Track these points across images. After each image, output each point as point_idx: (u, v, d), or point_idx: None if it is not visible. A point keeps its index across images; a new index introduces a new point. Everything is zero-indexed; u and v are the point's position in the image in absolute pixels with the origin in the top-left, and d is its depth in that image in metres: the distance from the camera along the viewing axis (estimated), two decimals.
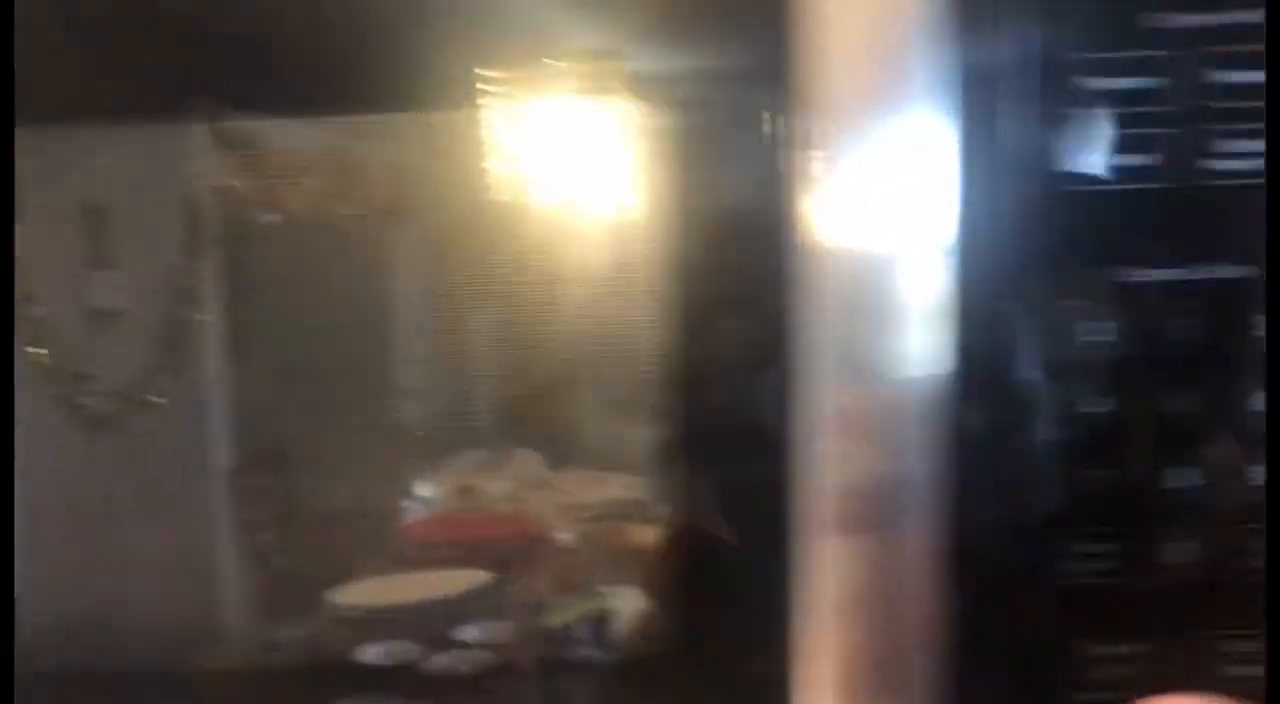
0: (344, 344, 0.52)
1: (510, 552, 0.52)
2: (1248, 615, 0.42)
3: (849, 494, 0.36)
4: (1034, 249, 0.41)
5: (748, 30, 0.40)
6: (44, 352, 0.53)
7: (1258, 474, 0.42)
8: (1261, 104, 0.40)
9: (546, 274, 0.47)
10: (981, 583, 0.41)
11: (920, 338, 0.36)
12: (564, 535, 0.51)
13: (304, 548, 0.52)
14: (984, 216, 0.41)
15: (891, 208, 0.36)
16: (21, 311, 0.51)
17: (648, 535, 0.46)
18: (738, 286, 0.40)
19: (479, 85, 0.44)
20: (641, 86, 0.42)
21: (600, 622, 0.47)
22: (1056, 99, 0.40)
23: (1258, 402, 0.41)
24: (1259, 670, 0.41)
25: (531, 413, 0.51)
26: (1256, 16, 0.40)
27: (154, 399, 0.53)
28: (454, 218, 0.49)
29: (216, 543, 0.53)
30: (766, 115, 0.39)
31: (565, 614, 0.48)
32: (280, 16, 0.44)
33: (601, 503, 0.50)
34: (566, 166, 0.45)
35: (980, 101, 0.40)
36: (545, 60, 0.43)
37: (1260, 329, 0.41)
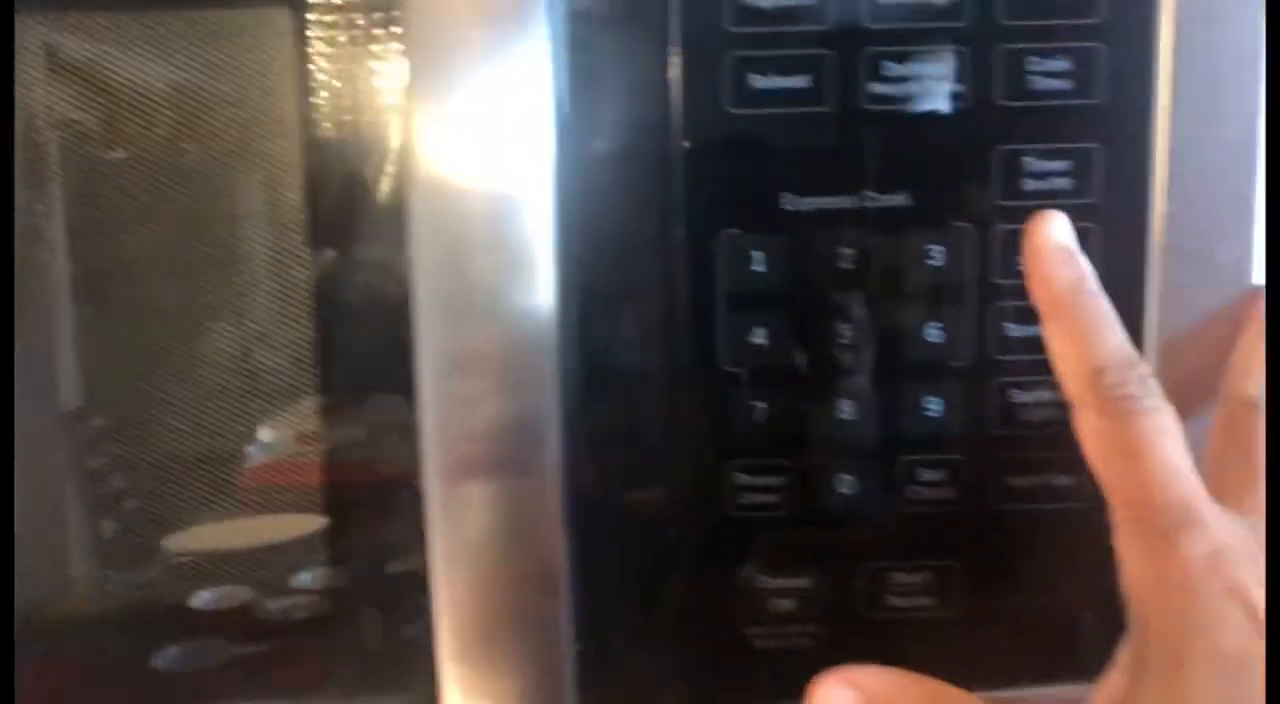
0: (193, 287, 0.48)
1: (353, 498, 0.48)
2: (908, 548, 0.42)
3: (476, 437, 0.35)
4: (694, 177, 0.40)
5: None
6: None
7: (932, 405, 0.41)
8: (925, 26, 0.39)
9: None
10: (630, 521, 0.40)
11: (544, 277, 0.34)
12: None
13: (147, 494, 0.49)
14: (639, 144, 0.39)
15: (512, 146, 0.34)
16: None
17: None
18: (356, 224, 0.39)
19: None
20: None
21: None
22: (716, 12, 0.39)
23: (927, 331, 0.41)
24: (921, 601, 0.42)
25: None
26: None
27: None
28: (293, 158, 0.45)
29: (63, 489, 0.49)
30: (379, 48, 0.36)
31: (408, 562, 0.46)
32: None
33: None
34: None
35: (637, 19, 0.39)
36: None
37: (921, 258, 0.40)
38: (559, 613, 0.36)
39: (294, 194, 0.40)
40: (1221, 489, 0.36)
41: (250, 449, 0.48)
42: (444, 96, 0.33)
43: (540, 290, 0.34)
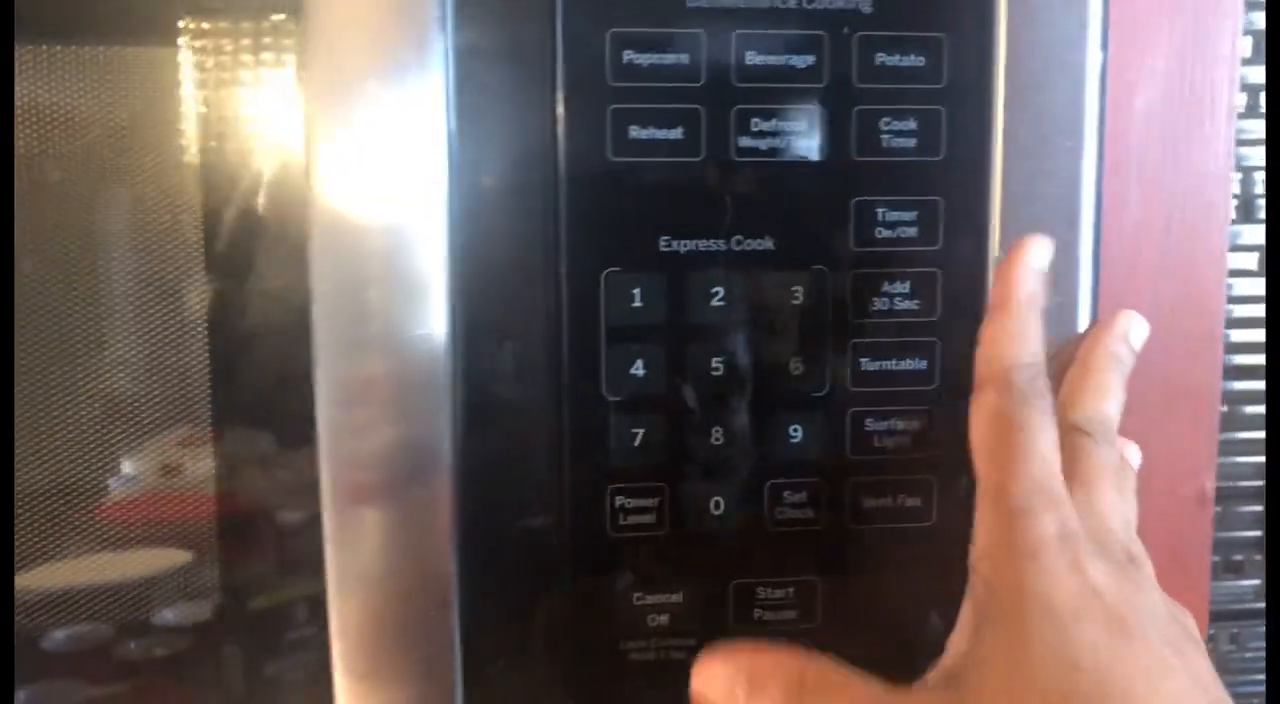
0: (51, 310, 0.47)
1: (216, 532, 0.48)
2: (775, 565, 0.45)
3: (365, 464, 0.37)
4: (578, 219, 0.42)
5: None
6: None
7: (795, 432, 0.45)
8: (788, 86, 0.43)
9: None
10: (516, 541, 0.43)
11: (436, 308, 0.37)
12: (282, 515, 0.48)
13: None
14: (528, 186, 0.42)
15: (403, 181, 0.36)
16: None
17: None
18: (260, 256, 0.40)
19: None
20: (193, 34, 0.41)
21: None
22: (600, 70, 0.42)
23: (791, 364, 0.44)
24: (787, 614, 0.45)
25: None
26: (790, 2, 0.43)
27: None
28: (160, 178, 0.45)
29: None
30: (284, 75, 0.39)
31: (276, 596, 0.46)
32: None
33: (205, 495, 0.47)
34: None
35: (526, 69, 0.42)
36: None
37: (787, 299, 0.44)
38: (449, 625, 0.38)
39: (190, 225, 0.41)
40: None
41: (111, 481, 0.48)
42: (341, 130, 0.35)
43: (433, 321, 0.36)
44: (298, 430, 0.39)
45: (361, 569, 0.37)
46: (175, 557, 0.48)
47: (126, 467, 0.48)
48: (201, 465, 0.44)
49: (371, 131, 0.35)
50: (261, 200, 0.40)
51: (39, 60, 0.43)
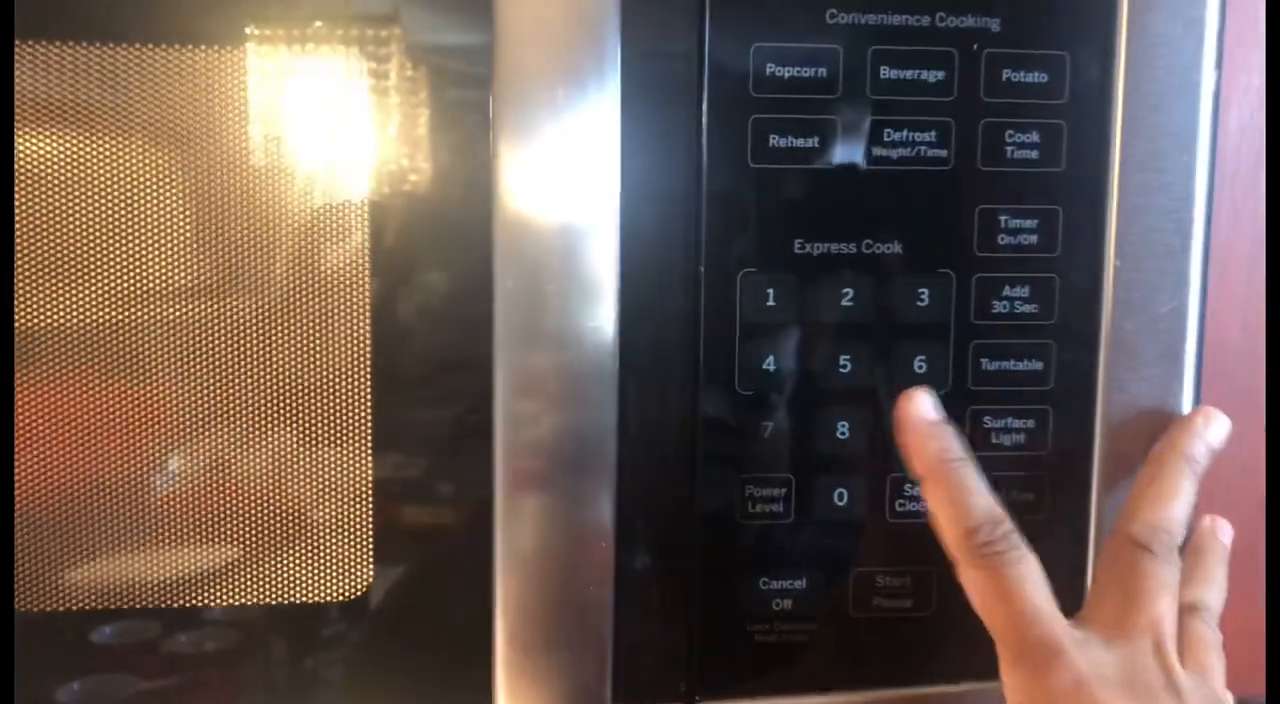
0: (96, 307, 0.48)
1: (262, 529, 0.50)
2: (894, 555, 0.47)
3: (537, 450, 0.39)
4: (719, 222, 0.45)
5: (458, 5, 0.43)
6: None
7: None
8: (919, 99, 0.45)
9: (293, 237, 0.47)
10: (662, 528, 0.45)
11: (606, 304, 0.39)
12: (322, 513, 0.50)
13: (44, 524, 0.48)
14: (674, 191, 0.44)
15: (580, 183, 0.39)
16: None
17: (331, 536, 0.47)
18: (441, 254, 0.43)
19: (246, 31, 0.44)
20: (361, 51, 0.44)
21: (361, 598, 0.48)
22: (743, 82, 0.44)
23: (917, 363, 0.47)
24: (903, 603, 0.47)
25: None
26: (923, 21, 0.45)
27: None
28: (207, 174, 0.47)
29: None
30: (474, 90, 0.41)
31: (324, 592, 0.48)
32: None
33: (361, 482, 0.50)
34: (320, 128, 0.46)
35: (675, 83, 0.44)
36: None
37: (913, 300, 0.46)
38: (606, 601, 0.40)
39: (358, 223, 0.44)
40: (1097, 616, 0.42)
41: (160, 478, 0.49)
42: (526, 137, 0.38)
43: (603, 316, 0.39)
44: (469, 419, 0.41)
45: (527, 548, 0.39)
46: (221, 554, 0.50)
47: (179, 464, 0.50)
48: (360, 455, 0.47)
49: (553, 138, 0.38)
50: (436, 199, 0.42)
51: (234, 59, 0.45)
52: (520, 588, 0.40)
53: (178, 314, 0.44)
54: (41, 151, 0.43)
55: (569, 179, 0.38)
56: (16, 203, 0.43)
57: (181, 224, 0.45)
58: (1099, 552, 0.48)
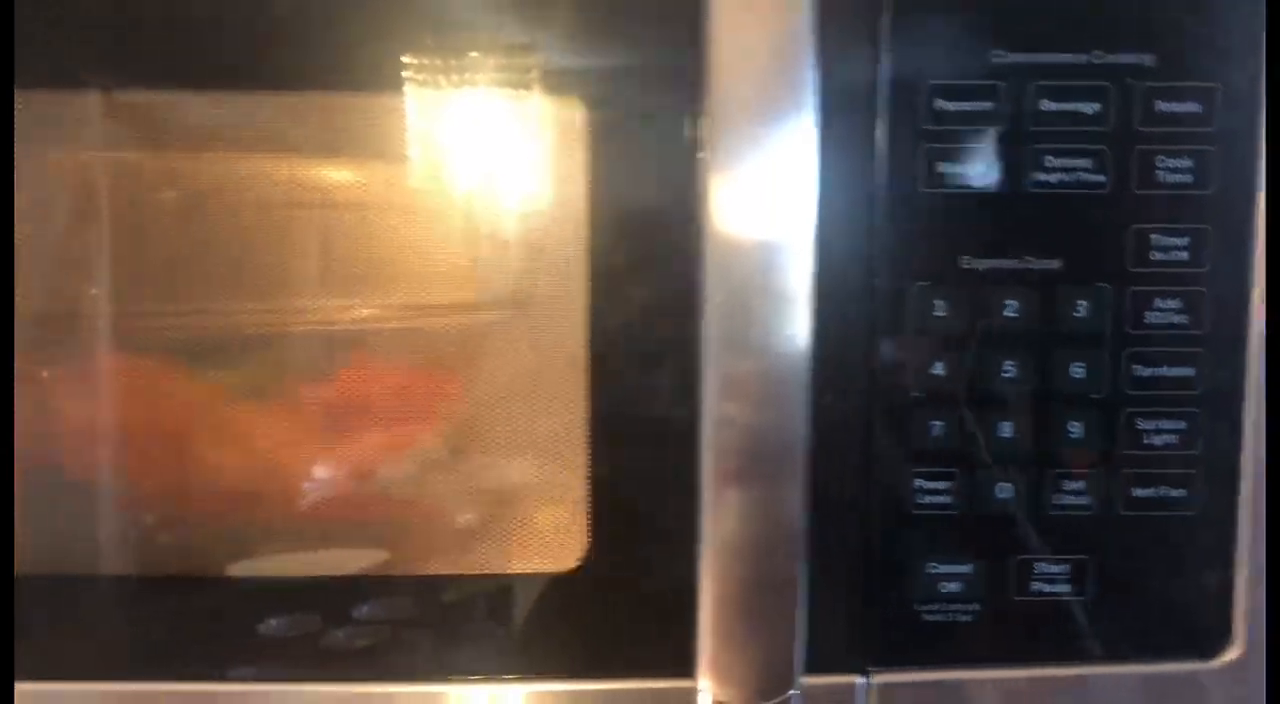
0: (242, 325, 0.53)
1: (408, 532, 0.55)
2: (1053, 544, 0.52)
3: (739, 449, 0.45)
4: (892, 240, 0.50)
5: (661, 32, 0.49)
6: None
7: (1075, 429, 0.51)
8: (1078, 129, 0.50)
9: (455, 264, 0.53)
10: (841, 516, 0.50)
11: (800, 315, 0.44)
12: (464, 517, 0.54)
13: (201, 524, 0.54)
14: (852, 212, 0.50)
15: (776, 201, 0.44)
16: None
17: (551, 515, 0.52)
18: (647, 270, 0.49)
19: (401, 71, 0.50)
20: (560, 81, 0.50)
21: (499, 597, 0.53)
22: (915, 115, 0.50)
23: (1073, 369, 0.51)
24: (1062, 587, 0.51)
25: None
26: (1080, 58, 0.50)
27: (40, 372, 0.53)
28: (358, 204, 0.52)
29: (103, 517, 0.54)
30: (675, 114, 0.47)
31: (462, 591, 0.53)
32: None
33: (503, 487, 0.54)
34: (481, 158, 0.52)
35: (855, 114, 0.49)
36: (468, 52, 0.50)
37: (1070, 311, 0.51)
38: (797, 578, 0.46)
39: (576, 241, 0.50)
40: None
41: (318, 483, 0.54)
42: (732, 167, 0.43)
43: (798, 327, 0.44)
44: (680, 418, 0.47)
45: (729, 533, 0.45)
46: (372, 556, 0.54)
47: (326, 470, 0.54)
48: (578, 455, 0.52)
49: (756, 164, 0.43)
50: (651, 221, 0.48)
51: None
52: (723, 567, 0.45)
53: (441, 324, 0.52)
54: (339, 181, 0.50)
55: (770, 201, 0.44)
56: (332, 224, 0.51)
57: (446, 246, 0.52)
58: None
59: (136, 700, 0.53)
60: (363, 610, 0.53)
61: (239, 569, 0.54)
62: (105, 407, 0.53)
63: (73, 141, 0.52)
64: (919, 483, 0.51)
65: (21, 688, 0.51)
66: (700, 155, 0.44)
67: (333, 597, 0.53)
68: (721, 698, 0.46)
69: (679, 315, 0.47)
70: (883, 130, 0.50)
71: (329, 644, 0.53)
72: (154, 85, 0.51)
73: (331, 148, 0.52)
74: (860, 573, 0.51)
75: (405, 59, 0.50)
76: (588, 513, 0.51)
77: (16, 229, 0.51)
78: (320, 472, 0.54)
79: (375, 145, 0.52)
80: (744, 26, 0.44)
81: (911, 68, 0.50)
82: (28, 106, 0.50)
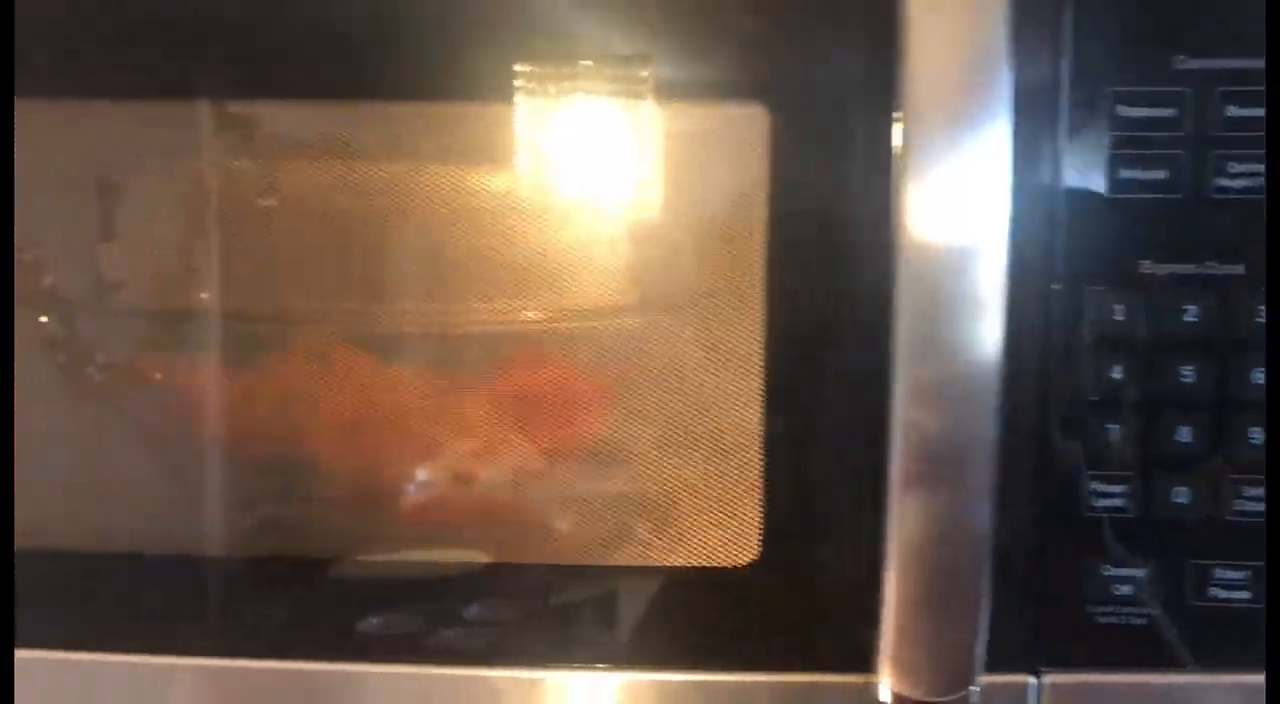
0: (339, 330, 0.55)
1: (508, 536, 0.56)
2: (1231, 550, 0.51)
3: (927, 453, 0.46)
4: (1073, 244, 0.51)
5: (847, 37, 0.50)
6: (50, 320, 0.55)
7: (1256, 435, 0.51)
8: (1258, 134, 0.50)
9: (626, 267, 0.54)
10: (1017, 518, 0.51)
11: (991, 320, 0.45)
12: (561, 524, 0.55)
13: (303, 527, 0.56)
14: (1036, 218, 0.50)
15: (971, 205, 0.45)
16: (33, 280, 0.55)
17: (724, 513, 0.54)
18: (825, 273, 0.50)
19: (581, 78, 0.52)
20: (741, 87, 0.51)
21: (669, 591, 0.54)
22: (1097, 120, 0.50)
23: (1252, 375, 0.51)
24: (1240, 595, 0.51)
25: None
26: (1257, 63, 0.50)
27: (151, 374, 0.55)
28: (462, 213, 0.54)
29: (208, 522, 0.56)
30: (861, 118, 0.48)
31: (572, 595, 0.55)
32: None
33: (600, 494, 0.55)
34: (662, 163, 0.53)
35: (1037, 119, 0.50)
36: (580, 61, 0.51)
37: (1252, 316, 0.51)
38: (979, 579, 0.46)
39: (754, 247, 0.52)
40: None
41: (412, 485, 0.55)
42: (927, 171, 0.44)
43: (987, 332, 0.45)
44: (852, 424, 0.48)
45: (915, 534, 0.46)
46: (476, 557, 0.55)
47: (426, 473, 0.56)
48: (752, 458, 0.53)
49: (950, 168, 0.44)
50: (842, 225, 0.50)
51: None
52: (909, 565, 0.46)
53: (603, 327, 0.53)
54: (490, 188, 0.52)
55: (965, 206, 0.44)
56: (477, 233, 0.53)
57: (598, 251, 0.53)
58: None
59: (238, 677, 0.55)
60: (541, 601, 0.55)
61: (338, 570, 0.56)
62: (231, 395, 0.56)
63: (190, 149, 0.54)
64: (1095, 486, 0.51)
65: (136, 660, 0.55)
66: (893, 159, 0.45)
67: (511, 585, 0.55)
68: (902, 692, 0.47)
69: (857, 318, 0.48)
70: (1065, 134, 0.50)
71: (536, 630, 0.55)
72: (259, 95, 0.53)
73: (501, 154, 0.54)
74: (1035, 574, 0.52)
75: (585, 64, 0.52)
76: (760, 511, 0.52)
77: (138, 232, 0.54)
78: (485, 471, 0.56)
79: (546, 150, 0.53)
80: (939, 29, 0.45)
81: (1093, 74, 0.50)
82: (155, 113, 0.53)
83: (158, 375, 0.56)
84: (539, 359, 0.56)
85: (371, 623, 0.55)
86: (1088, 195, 0.50)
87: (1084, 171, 0.50)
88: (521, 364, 0.55)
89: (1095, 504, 0.51)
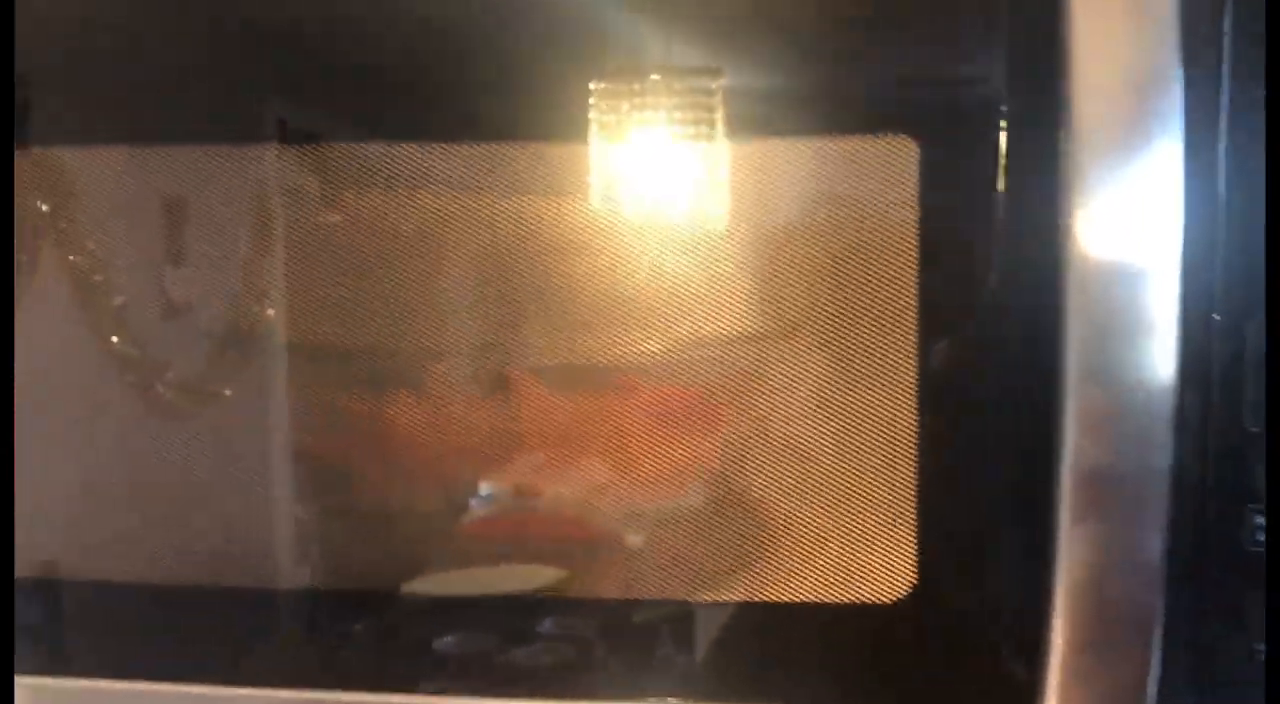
0: (402, 348, 0.55)
1: (575, 551, 0.55)
2: None
3: (1095, 482, 0.45)
4: (1233, 270, 0.49)
5: (996, 60, 0.49)
6: (121, 340, 0.56)
7: None
8: None
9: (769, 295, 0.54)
10: (1180, 551, 0.50)
11: (1165, 347, 0.44)
12: (631, 538, 0.55)
13: (367, 541, 0.56)
14: (1196, 242, 0.49)
15: (1143, 228, 0.44)
16: (104, 301, 0.56)
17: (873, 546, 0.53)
18: (990, 303, 0.50)
19: (720, 105, 0.51)
20: (888, 112, 0.51)
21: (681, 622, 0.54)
22: (1253, 148, 0.49)
23: None
24: None
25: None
26: None
27: (220, 391, 0.56)
28: (529, 231, 0.54)
29: (276, 537, 0.56)
30: (1016, 142, 0.48)
31: (716, 631, 0.54)
32: (374, 38, 0.52)
33: (660, 509, 0.55)
34: (810, 191, 0.52)
35: (1200, 135, 0.49)
36: (789, 86, 0.51)
37: None
38: (1152, 610, 0.45)
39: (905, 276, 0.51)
40: None
41: (478, 501, 0.55)
42: (1095, 192, 0.44)
43: (1160, 359, 0.44)
44: (1036, 452, 0.48)
45: (1085, 565, 0.45)
46: (549, 574, 0.55)
47: (490, 488, 0.56)
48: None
49: (1120, 189, 0.44)
50: (1006, 249, 0.49)
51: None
52: (1078, 598, 0.45)
53: (744, 354, 0.53)
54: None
55: (1137, 229, 0.44)
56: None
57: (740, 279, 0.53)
58: None
59: None
60: (682, 636, 0.54)
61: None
62: (292, 422, 0.56)
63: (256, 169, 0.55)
64: (1255, 519, 0.50)
65: (204, 691, 0.55)
66: (1060, 179, 0.45)
67: (643, 620, 0.54)
68: None
69: (1015, 343, 0.47)
70: (1225, 153, 0.49)
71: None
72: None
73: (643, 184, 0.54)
74: (1198, 608, 0.51)
75: (721, 83, 0.51)
76: (913, 542, 0.52)
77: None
78: (610, 504, 0.56)
79: (693, 179, 0.53)
80: (1105, 44, 0.44)
81: (1251, 93, 0.49)
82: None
83: (228, 394, 0.57)
84: (672, 388, 0.55)
85: (447, 644, 0.55)
86: (1249, 216, 0.49)
87: (1245, 191, 0.49)
88: (655, 393, 0.55)
89: (1258, 538, 0.50)
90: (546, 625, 0.54)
